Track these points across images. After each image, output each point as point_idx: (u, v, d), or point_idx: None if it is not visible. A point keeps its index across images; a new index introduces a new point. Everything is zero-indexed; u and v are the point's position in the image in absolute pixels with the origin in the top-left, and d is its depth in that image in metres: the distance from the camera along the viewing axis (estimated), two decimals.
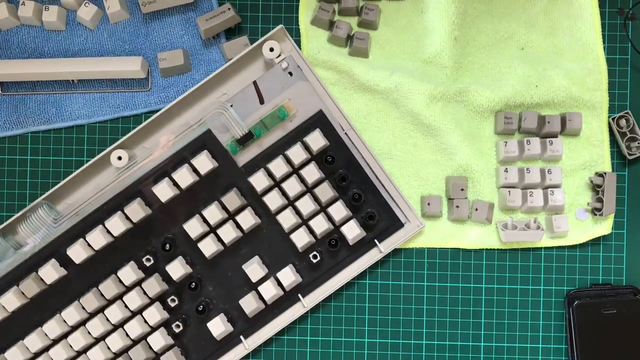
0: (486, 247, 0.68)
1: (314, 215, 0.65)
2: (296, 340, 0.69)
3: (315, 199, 0.65)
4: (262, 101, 0.65)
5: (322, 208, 0.66)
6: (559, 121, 0.67)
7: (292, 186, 0.64)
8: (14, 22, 0.69)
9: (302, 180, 0.65)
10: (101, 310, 0.66)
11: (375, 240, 0.67)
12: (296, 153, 0.64)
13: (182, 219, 0.65)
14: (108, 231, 0.64)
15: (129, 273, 0.64)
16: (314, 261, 0.65)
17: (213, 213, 0.64)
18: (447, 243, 0.68)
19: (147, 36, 0.69)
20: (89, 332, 0.65)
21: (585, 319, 0.63)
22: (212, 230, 0.65)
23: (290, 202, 0.65)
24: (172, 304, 0.65)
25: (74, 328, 0.66)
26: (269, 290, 0.65)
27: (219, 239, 0.65)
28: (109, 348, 0.65)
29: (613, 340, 0.63)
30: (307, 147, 0.65)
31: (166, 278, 0.66)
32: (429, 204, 0.67)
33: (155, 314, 0.65)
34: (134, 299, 0.65)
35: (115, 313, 0.65)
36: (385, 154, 0.69)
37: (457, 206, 0.66)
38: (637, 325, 0.62)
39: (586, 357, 0.64)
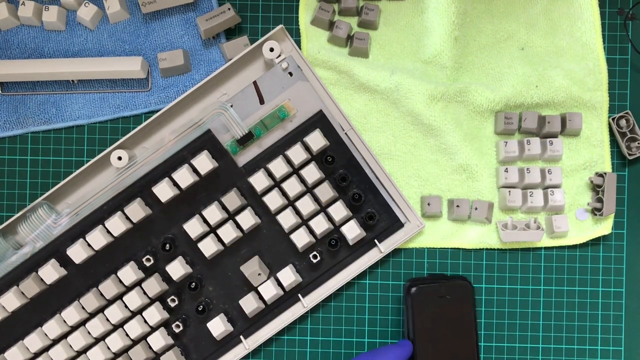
0: (486, 247, 0.68)
1: (314, 215, 0.65)
2: (296, 340, 0.69)
3: (315, 199, 0.65)
4: (262, 101, 0.65)
5: (322, 208, 0.66)
6: (559, 121, 0.67)
7: (292, 186, 0.64)
8: (14, 22, 0.69)
9: (302, 180, 0.65)
10: (101, 310, 0.66)
11: (375, 240, 0.67)
12: (296, 153, 0.64)
13: (182, 219, 0.65)
14: (108, 231, 0.64)
15: (129, 273, 0.64)
16: (314, 261, 0.65)
17: (213, 213, 0.64)
18: (447, 243, 0.68)
19: (147, 36, 0.69)
20: (89, 332, 0.65)
21: (422, 302, 0.64)
22: (212, 230, 0.65)
23: (290, 202, 0.65)
24: (172, 304, 0.65)
25: (74, 328, 0.66)
26: (269, 290, 0.65)
27: (219, 239, 0.65)
28: (109, 348, 0.65)
29: (445, 323, 0.64)
30: (307, 147, 0.65)
31: (166, 278, 0.66)
32: (429, 204, 0.67)
33: (155, 314, 0.65)
34: (134, 299, 0.65)
35: (115, 313, 0.65)
36: (385, 154, 0.69)
37: (457, 206, 0.66)
38: (465, 307, 0.64)
39: (422, 338, 0.65)
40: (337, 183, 0.65)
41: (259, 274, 0.65)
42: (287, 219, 0.64)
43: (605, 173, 0.66)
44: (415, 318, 0.64)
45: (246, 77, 0.67)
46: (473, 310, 0.64)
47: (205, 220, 0.65)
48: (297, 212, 0.65)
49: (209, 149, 0.65)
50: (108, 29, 0.69)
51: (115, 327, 0.66)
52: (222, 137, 0.65)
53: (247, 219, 0.64)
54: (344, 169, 0.66)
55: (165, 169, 0.65)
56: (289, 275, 0.65)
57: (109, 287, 0.64)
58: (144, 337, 0.66)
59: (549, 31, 0.69)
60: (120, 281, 0.65)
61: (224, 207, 0.65)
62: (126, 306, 0.65)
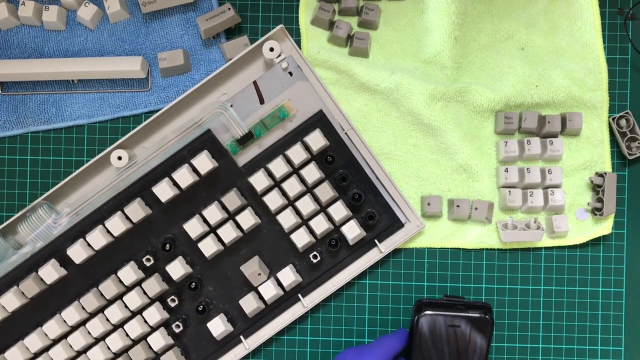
0: (486, 247, 0.68)
1: (314, 215, 0.65)
2: (296, 340, 0.69)
3: (315, 199, 0.65)
4: (262, 101, 0.65)
5: (322, 208, 0.66)
6: (559, 121, 0.67)
7: (292, 186, 0.64)
8: (14, 22, 0.69)
9: (302, 180, 0.65)
10: (101, 310, 0.66)
11: (375, 240, 0.67)
12: (296, 153, 0.64)
13: (182, 219, 0.65)
14: (108, 231, 0.64)
15: (129, 273, 0.64)
16: (314, 261, 0.65)
17: (213, 213, 0.64)
18: (447, 243, 0.68)
19: (147, 36, 0.69)
20: (89, 332, 0.65)
21: (428, 330, 0.61)
22: (212, 230, 0.65)
23: (290, 202, 0.65)
24: (172, 304, 0.65)
25: (74, 328, 0.66)
26: (269, 290, 0.65)
27: (219, 239, 0.65)
28: (109, 348, 0.65)
29: (450, 356, 0.61)
30: (307, 147, 0.65)
31: (166, 278, 0.66)
32: (429, 204, 0.67)
33: (155, 314, 0.65)
34: (134, 299, 0.65)
35: (115, 313, 0.65)
36: (385, 154, 0.69)
37: (458, 206, 0.66)
38: (478, 343, 0.60)
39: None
40: (337, 183, 0.65)
41: (259, 274, 0.65)
42: (287, 219, 0.64)
43: (605, 173, 0.66)
44: (416, 347, 0.61)
45: (246, 77, 0.67)
46: (486, 348, 0.60)
47: (205, 220, 0.65)
48: (297, 212, 0.65)
49: (209, 149, 0.65)
50: (108, 28, 0.69)
51: (115, 327, 0.66)
52: (222, 137, 0.65)
53: (247, 219, 0.64)
54: (344, 169, 0.66)
55: (165, 169, 0.65)
56: (289, 275, 0.65)
57: (109, 287, 0.64)
58: (144, 337, 0.66)
59: (549, 31, 0.69)
60: (120, 281, 0.65)
61: (224, 207, 0.65)
62: (126, 306, 0.65)
